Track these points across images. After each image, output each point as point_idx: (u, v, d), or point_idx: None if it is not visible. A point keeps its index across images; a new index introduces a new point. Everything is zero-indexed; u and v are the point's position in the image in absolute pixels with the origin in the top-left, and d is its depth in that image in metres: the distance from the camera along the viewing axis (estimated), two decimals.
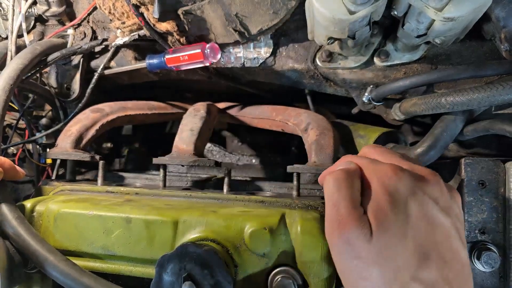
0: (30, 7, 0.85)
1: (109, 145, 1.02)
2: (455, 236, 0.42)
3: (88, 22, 0.85)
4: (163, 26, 0.69)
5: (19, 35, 0.86)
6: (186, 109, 0.87)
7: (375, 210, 0.40)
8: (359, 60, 0.68)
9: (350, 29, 0.54)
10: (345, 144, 0.81)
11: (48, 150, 0.77)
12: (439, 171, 0.75)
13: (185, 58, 0.72)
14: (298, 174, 0.67)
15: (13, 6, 0.84)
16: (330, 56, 0.70)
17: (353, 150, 0.80)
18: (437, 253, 0.39)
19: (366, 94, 0.70)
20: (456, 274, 0.40)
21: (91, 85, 0.82)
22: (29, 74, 0.77)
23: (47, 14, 0.84)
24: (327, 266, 0.52)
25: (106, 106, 0.83)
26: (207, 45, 0.71)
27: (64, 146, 0.74)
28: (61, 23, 0.87)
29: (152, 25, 0.70)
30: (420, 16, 0.52)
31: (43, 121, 0.92)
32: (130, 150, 1.06)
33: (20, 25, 0.85)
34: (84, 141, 0.76)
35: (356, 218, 0.40)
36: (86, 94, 0.82)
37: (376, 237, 0.39)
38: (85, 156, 0.72)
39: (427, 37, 0.57)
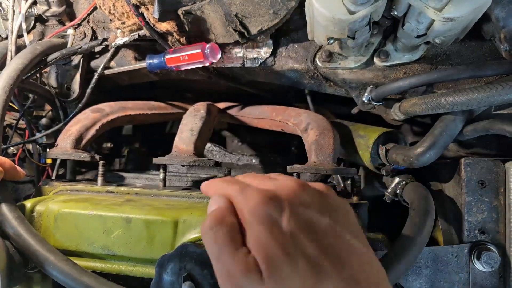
0: (30, 7, 0.85)
1: (109, 145, 1.02)
2: (345, 232, 0.39)
3: (88, 22, 0.85)
4: (163, 26, 0.69)
5: (19, 35, 0.86)
6: (186, 109, 0.87)
7: (258, 247, 0.37)
8: (359, 60, 0.68)
9: (350, 29, 0.54)
10: (345, 144, 0.81)
11: (48, 150, 0.77)
12: (439, 171, 0.76)
13: (185, 58, 0.72)
14: (298, 174, 0.67)
15: (13, 6, 0.84)
16: (330, 56, 0.70)
17: (353, 150, 0.80)
18: (329, 258, 0.37)
19: (366, 94, 0.70)
20: (360, 269, 0.37)
21: (91, 85, 0.82)
22: (29, 74, 0.77)
23: (47, 14, 0.84)
24: None
25: (106, 106, 0.83)
26: (207, 45, 0.71)
27: (64, 146, 0.74)
28: (61, 23, 0.87)
29: (152, 25, 0.70)
30: (420, 16, 0.52)
31: (43, 121, 0.92)
32: (130, 150, 1.06)
33: (20, 25, 0.85)
34: (84, 141, 0.76)
35: (242, 264, 0.37)
36: (86, 94, 0.82)
37: (266, 278, 0.36)
38: (85, 156, 0.72)
39: (427, 37, 0.57)
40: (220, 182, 0.46)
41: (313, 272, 0.36)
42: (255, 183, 0.43)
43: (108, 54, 0.82)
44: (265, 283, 0.36)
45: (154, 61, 0.77)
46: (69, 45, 0.83)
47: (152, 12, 0.66)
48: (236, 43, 0.73)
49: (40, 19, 0.88)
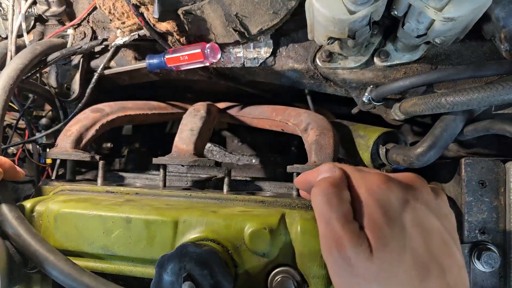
0: (30, 7, 0.85)
1: (109, 145, 1.02)
2: (449, 239, 0.41)
3: (88, 22, 0.85)
4: (163, 26, 0.69)
5: (19, 35, 0.86)
6: (186, 109, 0.87)
7: (371, 225, 0.38)
8: (359, 60, 0.68)
9: (350, 29, 0.54)
10: (345, 144, 0.81)
11: (48, 150, 0.77)
12: (439, 171, 0.76)
13: (185, 58, 0.72)
14: (298, 174, 0.67)
15: (13, 6, 0.84)
16: (330, 56, 0.70)
17: (353, 150, 0.80)
18: (436, 262, 0.38)
19: (366, 94, 0.70)
20: (455, 279, 0.39)
21: (91, 85, 0.82)
22: (29, 74, 0.77)
23: (47, 14, 0.84)
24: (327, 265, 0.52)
25: (106, 106, 0.83)
26: (207, 45, 0.71)
27: (64, 146, 0.74)
28: (61, 23, 0.87)
29: (152, 25, 0.70)
30: (420, 16, 0.52)
31: (43, 121, 0.92)
32: (130, 150, 1.06)
33: (20, 25, 0.85)
34: (84, 141, 0.76)
35: (353, 236, 0.38)
36: (86, 94, 0.82)
37: (376, 254, 0.37)
38: (85, 156, 0.72)
39: (427, 37, 0.57)
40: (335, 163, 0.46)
41: (419, 270, 0.37)
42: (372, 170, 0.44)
43: (108, 54, 0.82)
44: (372, 260, 0.36)
45: (154, 61, 0.77)
46: (69, 45, 0.83)
47: (152, 12, 0.66)
48: (236, 43, 0.73)
49: (40, 19, 0.88)
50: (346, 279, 0.39)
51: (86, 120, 0.78)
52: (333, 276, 0.40)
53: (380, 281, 0.37)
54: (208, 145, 1.04)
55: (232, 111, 0.93)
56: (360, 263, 0.37)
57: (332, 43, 0.60)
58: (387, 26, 0.66)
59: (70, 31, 0.84)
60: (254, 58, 0.74)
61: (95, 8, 0.84)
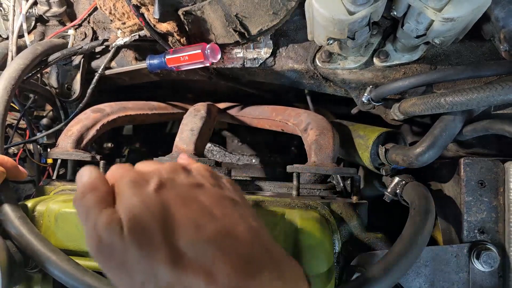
0: (30, 7, 0.85)
1: (109, 145, 1.02)
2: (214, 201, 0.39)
3: (88, 22, 0.86)
4: (164, 27, 0.70)
5: (20, 36, 0.86)
6: (186, 109, 0.87)
7: (123, 205, 0.37)
8: (358, 60, 0.69)
9: (350, 29, 0.54)
10: (344, 144, 0.81)
11: (49, 150, 0.77)
12: (438, 171, 0.76)
13: (185, 58, 0.72)
14: (298, 174, 0.67)
15: (14, 6, 0.85)
16: (330, 57, 0.70)
17: (353, 150, 0.80)
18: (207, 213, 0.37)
19: (365, 94, 0.71)
20: (232, 220, 0.37)
21: (91, 85, 0.82)
22: (30, 74, 0.77)
23: (48, 14, 0.84)
24: (326, 265, 0.53)
25: (106, 106, 0.83)
26: (207, 46, 0.71)
27: (65, 146, 0.74)
28: (62, 23, 0.88)
29: (152, 26, 0.70)
30: (419, 16, 0.52)
31: (44, 121, 0.92)
32: (131, 150, 1.06)
33: (21, 25, 0.85)
34: (84, 141, 0.76)
35: (106, 218, 0.36)
36: (87, 94, 0.82)
37: (126, 231, 0.35)
38: (85, 156, 0.72)
39: (426, 38, 0.57)
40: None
41: (169, 233, 0.35)
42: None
43: (109, 55, 0.82)
44: (124, 237, 0.35)
45: (155, 61, 0.77)
46: (69, 45, 0.84)
47: (152, 13, 0.67)
48: (236, 44, 0.73)
49: (41, 20, 0.88)
50: (109, 264, 0.37)
51: (87, 120, 0.78)
52: (103, 267, 0.38)
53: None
54: (208, 145, 1.04)
55: (232, 111, 0.94)
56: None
57: (331, 44, 0.60)
58: (387, 27, 0.66)
59: (71, 32, 0.84)
60: (254, 59, 0.75)
61: (95, 9, 0.84)
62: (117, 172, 0.42)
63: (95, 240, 0.36)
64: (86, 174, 0.41)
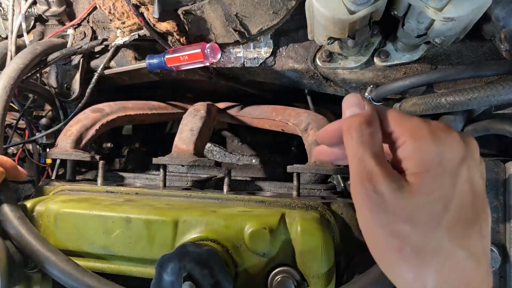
0: (30, 7, 0.85)
1: (109, 145, 1.02)
2: (486, 203, 0.40)
3: (88, 22, 0.85)
4: (163, 26, 0.69)
5: (19, 35, 0.86)
6: (186, 109, 0.87)
7: (419, 169, 0.36)
8: (359, 60, 0.68)
9: (350, 29, 0.54)
10: None
11: (48, 150, 0.77)
12: None
13: (185, 58, 0.72)
14: (298, 174, 0.67)
15: (13, 6, 0.84)
16: (330, 56, 0.70)
17: None
18: (478, 222, 0.37)
19: (366, 94, 0.70)
20: (487, 249, 0.38)
21: (91, 85, 0.82)
22: (29, 74, 0.77)
23: (47, 14, 0.84)
24: (327, 265, 0.52)
25: (106, 106, 0.83)
26: (207, 45, 0.71)
27: (64, 146, 0.74)
28: (61, 23, 0.87)
29: (152, 25, 0.70)
30: (420, 16, 0.52)
31: (43, 121, 0.92)
32: (130, 150, 1.06)
33: (20, 25, 0.85)
34: (84, 141, 0.76)
35: (388, 172, 0.36)
36: (86, 94, 0.82)
37: (416, 198, 0.35)
38: (85, 156, 0.72)
39: (427, 37, 0.57)
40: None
41: (463, 225, 0.36)
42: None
43: (108, 54, 0.82)
44: (410, 201, 0.35)
45: (154, 61, 0.77)
46: (69, 45, 0.84)
47: (152, 12, 0.66)
48: (236, 43, 0.73)
49: (40, 19, 0.88)
50: (376, 214, 0.37)
51: (86, 120, 0.78)
52: (362, 210, 0.38)
53: (416, 224, 0.36)
54: (208, 145, 1.04)
55: (232, 111, 0.94)
56: (394, 200, 0.36)
57: (332, 43, 0.60)
58: (387, 26, 0.66)
59: (70, 31, 0.84)
60: (254, 58, 0.75)
61: (95, 8, 0.84)
62: (400, 115, 0.40)
63: (370, 186, 0.37)
64: (356, 103, 0.40)
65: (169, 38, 0.74)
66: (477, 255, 0.36)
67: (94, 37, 0.85)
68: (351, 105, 0.41)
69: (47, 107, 0.93)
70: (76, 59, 0.83)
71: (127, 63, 0.84)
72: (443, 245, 0.36)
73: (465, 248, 0.36)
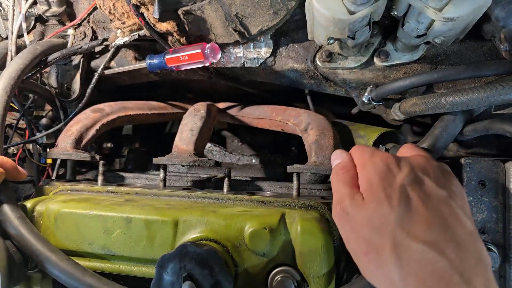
0: (30, 7, 0.85)
1: (109, 145, 1.02)
2: (456, 205, 0.43)
3: (88, 22, 0.85)
4: (163, 26, 0.69)
5: (19, 35, 0.86)
6: (186, 109, 0.87)
7: (365, 181, 0.47)
8: (359, 60, 0.68)
9: (350, 29, 0.54)
10: (345, 144, 0.81)
11: (48, 150, 0.77)
12: None
13: (185, 58, 0.72)
14: (298, 174, 0.67)
15: (13, 6, 0.84)
16: (330, 56, 0.70)
17: None
18: (433, 218, 0.41)
19: (366, 94, 0.70)
20: (465, 237, 0.41)
21: (91, 85, 0.82)
22: (30, 74, 0.77)
23: (47, 14, 0.84)
24: (327, 265, 0.52)
25: (106, 106, 0.83)
26: (207, 45, 0.71)
27: (64, 146, 0.74)
28: (61, 23, 0.88)
29: (152, 25, 0.70)
30: (420, 16, 0.52)
31: (43, 121, 0.92)
32: (130, 150, 1.06)
33: (20, 25, 0.85)
34: (84, 141, 0.76)
35: (351, 192, 0.47)
36: (86, 94, 0.82)
37: (367, 204, 0.44)
38: (85, 156, 0.72)
39: (426, 37, 0.57)
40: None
41: (419, 219, 0.41)
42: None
43: (108, 54, 0.82)
44: (363, 208, 0.44)
45: (154, 61, 0.77)
46: (69, 45, 0.84)
47: (152, 12, 0.66)
48: (236, 43, 0.73)
49: (40, 19, 0.88)
50: (345, 227, 0.46)
51: (87, 120, 0.78)
52: (339, 227, 0.48)
53: (373, 227, 0.43)
54: (208, 145, 1.04)
55: (232, 111, 0.94)
56: (354, 212, 0.45)
57: (332, 43, 0.60)
58: (387, 26, 0.66)
59: (70, 31, 0.84)
60: (254, 58, 0.75)
61: (95, 8, 0.84)
62: (364, 152, 0.50)
63: (339, 208, 0.47)
64: (337, 158, 0.53)
65: (169, 38, 0.74)
66: (439, 245, 0.39)
67: (94, 37, 0.85)
68: (334, 159, 0.54)
69: (48, 107, 0.93)
70: (77, 59, 0.84)
71: (127, 63, 0.84)
72: (397, 241, 0.41)
73: (421, 241, 0.40)
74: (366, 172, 0.47)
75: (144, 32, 0.75)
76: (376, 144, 0.75)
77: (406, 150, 0.53)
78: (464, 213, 0.44)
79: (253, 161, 1.01)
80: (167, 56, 0.74)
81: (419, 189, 0.44)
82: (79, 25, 0.85)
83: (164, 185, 0.71)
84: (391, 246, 0.41)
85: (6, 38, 0.86)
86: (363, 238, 0.43)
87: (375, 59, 0.68)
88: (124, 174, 0.81)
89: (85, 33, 0.85)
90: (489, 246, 0.63)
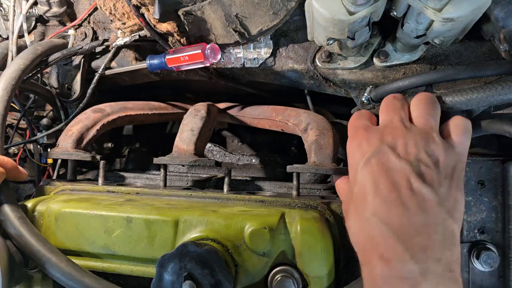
0: (31, 7, 0.85)
1: (110, 145, 1.02)
2: (413, 177, 0.47)
3: (89, 22, 0.86)
4: (164, 27, 0.70)
5: (20, 36, 0.86)
6: (186, 109, 0.88)
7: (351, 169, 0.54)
8: (358, 60, 0.69)
9: (350, 29, 0.54)
10: (345, 144, 0.81)
11: (49, 150, 0.77)
12: None
13: (185, 58, 0.72)
14: (298, 174, 0.67)
15: (14, 6, 0.85)
16: (330, 57, 0.70)
17: None
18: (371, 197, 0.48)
19: (365, 94, 0.70)
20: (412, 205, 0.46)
21: (92, 86, 0.82)
22: (30, 74, 0.77)
23: (48, 14, 0.85)
24: (327, 265, 0.53)
25: (107, 106, 0.83)
26: (208, 46, 0.71)
27: (65, 146, 0.74)
28: (62, 23, 0.88)
29: (152, 26, 0.70)
30: (419, 16, 0.52)
31: (44, 121, 0.92)
32: (131, 150, 1.06)
33: (21, 25, 0.85)
34: (85, 141, 0.76)
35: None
36: (87, 94, 0.82)
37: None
38: (86, 156, 0.72)
39: (426, 38, 0.57)
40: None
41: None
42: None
43: (109, 55, 0.82)
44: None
45: (155, 61, 0.77)
46: (70, 45, 0.84)
47: (152, 13, 0.67)
48: (236, 44, 0.73)
49: (41, 20, 0.88)
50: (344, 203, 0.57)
51: (87, 120, 0.78)
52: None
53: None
54: (208, 145, 1.04)
55: (232, 111, 0.94)
56: (343, 192, 0.59)
57: (331, 44, 0.60)
58: (387, 27, 0.66)
59: (71, 32, 0.84)
60: (254, 59, 0.75)
61: (96, 9, 0.84)
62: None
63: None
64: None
65: (170, 38, 0.74)
66: (381, 218, 0.46)
67: (95, 37, 0.85)
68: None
69: (48, 107, 0.93)
70: (77, 59, 0.84)
71: (128, 63, 0.84)
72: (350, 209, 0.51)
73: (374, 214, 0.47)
74: (349, 153, 0.55)
75: (144, 32, 0.75)
76: None
77: (414, 104, 0.55)
78: (424, 180, 0.46)
79: (253, 161, 1.02)
80: (167, 57, 0.75)
81: (377, 162, 0.49)
82: (80, 25, 0.86)
83: (165, 185, 0.71)
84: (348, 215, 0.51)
85: (7, 38, 0.86)
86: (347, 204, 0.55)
87: (375, 60, 0.68)
88: (125, 174, 0.81)
89: (85, 34, 0.85)
90: (488, 246, 0.63)
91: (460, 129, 0.52)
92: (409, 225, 0.44)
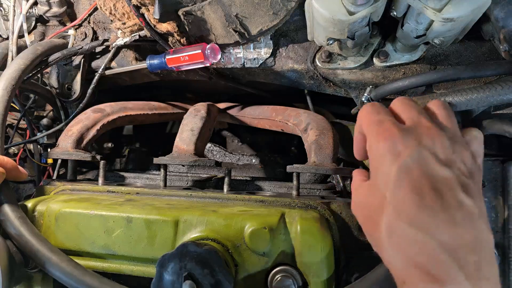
0: (31, 7, 0.85)
1: (110, 145, 1.02)
2: (455, 186, 0.42)
3: (89, 22, 0.86)
4: (164, 27, 0.70)
5: (20, 36, 0.86)
6: (186, 109, 0.88)
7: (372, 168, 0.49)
8: (358, 60, 0.69)
9: (350, 29, 0.54)
10: (344, 144, 0.81)
11: (49, 150, 0.78)
12: None
13: (185, 58, 0.73)
14: (298, 174, 0.67)
15: (14, 6, 0.85)
16: (330, 57, 0.70)
17: (353, 150, 0.80)
18: (434, 200, 0.42)
19: (365, 94, 0.70)
20: (460, 220, 0.41)
21: (92, 86, 0.82)
22: (31, 74, 0.77)
23: (48, 14, 0.85)
24: (327, 265, 0.53)
25: (107, 106, 0.83)
26: (208, 46, 0.71)
27: (65, 146, 0.74)
28: (62, 23, 0.88)
29: (152, 26, 0.70)
30: (419, 16, 0.52)
31: (44, 121, 0.92)
32: (131, 150, 1.06)
33: (21, 25, 0.85)
34: (85, 141, 0.76)
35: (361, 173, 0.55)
36: (87, 94, 0.82)
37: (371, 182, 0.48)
38: (86, 156, 0.72)
39: (426, 38, 0.57)
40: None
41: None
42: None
43: (109, 55, 0.83)
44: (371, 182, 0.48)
45: (155, 61, 0.77)
46: (70, 45, 0.84)
47: (152, 13, 0.67)
48: (236, 44, 0.73)
49: (41, 20, 0.88)
50: (354, 198, 0.51)
51: (87, 120, 0.78)
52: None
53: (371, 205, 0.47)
54: (208, 145, 1.04)
55: (232, 111, 0.94)
56: (357, 190, 0.51)
57: (331, 44, 0.60)
58: (387, 27, 0.66)
59: (71, 32, 0.84)
60: (254, 59, 0.75)
61: (96, 9, 0.84)
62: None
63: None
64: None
65: (170, 38, 0.74)
66: (429, 227, 0.41)
67: (95, 37, 0.85)
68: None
69: (48, 107, 0.93)
70: (77, 59, 0.84)
71: (128, 63, 0.84)
72: (388, 223, 0.45)
73: (410, 223, 0.42)
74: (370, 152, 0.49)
75: (144, 32, 0.75)
76: None
77: (431, 108, 0.50)
78: (466, 191, 0.42)
79: (253, 161, 1.02)
80: (167, 57, 0.75)
81: (419, 168, 0.43)
82: (80, 25, 0.86)
83: (165, 185, 0.71)
84: (384, 227, 0.43)
85: (7, 38, 0.86)
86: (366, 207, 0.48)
87: (375, 60, 0.68)
88: (125, 174, 0.81)
89: (85, 34, 0.85)
90: None
91: (480, 142, 0.48)
92: (461, 241, 0.40)
